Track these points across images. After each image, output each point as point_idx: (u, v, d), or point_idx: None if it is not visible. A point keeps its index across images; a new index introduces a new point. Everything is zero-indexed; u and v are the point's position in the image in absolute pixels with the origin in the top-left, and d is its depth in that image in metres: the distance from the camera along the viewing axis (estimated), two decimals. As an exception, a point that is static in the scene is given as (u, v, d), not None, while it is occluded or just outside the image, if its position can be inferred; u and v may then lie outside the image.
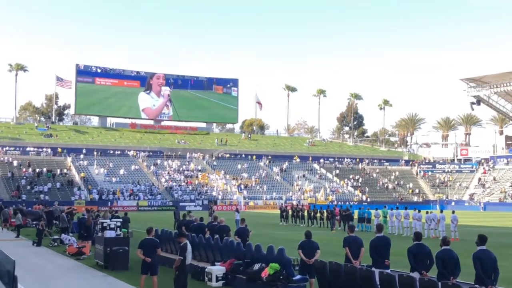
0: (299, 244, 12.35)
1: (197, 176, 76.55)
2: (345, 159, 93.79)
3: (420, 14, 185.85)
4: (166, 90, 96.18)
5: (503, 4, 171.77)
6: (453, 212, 30.03)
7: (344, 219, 34.83)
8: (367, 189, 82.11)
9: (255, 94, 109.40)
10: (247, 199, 72.43)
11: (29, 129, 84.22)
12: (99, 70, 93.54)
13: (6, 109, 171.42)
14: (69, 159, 73.68)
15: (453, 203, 77.21)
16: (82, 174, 69.49)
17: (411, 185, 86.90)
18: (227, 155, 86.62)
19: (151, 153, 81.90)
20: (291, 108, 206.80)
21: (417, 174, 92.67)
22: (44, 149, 75.04)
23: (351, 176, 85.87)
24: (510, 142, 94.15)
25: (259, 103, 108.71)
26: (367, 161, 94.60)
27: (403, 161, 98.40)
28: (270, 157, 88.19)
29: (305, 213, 40.69)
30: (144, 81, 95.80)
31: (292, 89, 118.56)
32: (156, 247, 12.65)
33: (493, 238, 24.11)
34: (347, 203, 67.65)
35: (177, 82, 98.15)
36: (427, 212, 30.43)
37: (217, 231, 16.93)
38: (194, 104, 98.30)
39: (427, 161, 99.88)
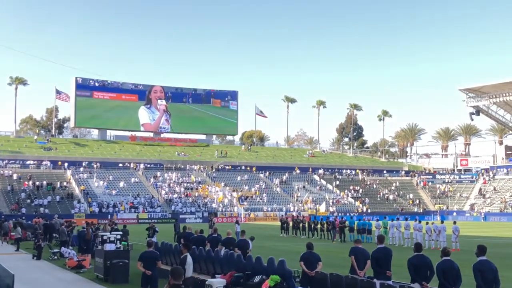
0: (300, 256, 12.32)
1: (197, 188, 76.47)
2: (345, 170, 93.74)
3: (419, 25, 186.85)
4: (162, 103, 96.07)
5: (502, 14, 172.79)
6: (455, 222, 30.01)
7: (341, 230, 35.11)
8: (367, 200, 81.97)
9: (255, 106, 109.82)
10: (248, 211, 72.29)
11: (29, 142, 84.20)
12: (97, 84, 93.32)
13: (6, 122, 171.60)
14: (69, 172, 73.60)
15: (454, 214, 77.05)
16: (82, 187, 69.39)
17: (411, 195, 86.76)
18: (227, 167, 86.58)
19: (151, 166, 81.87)
20: (291, 119, 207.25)
21: (417, 184, 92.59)
22: (44, 162, 74.98)
23: (351, 187, 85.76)
24: (510, 152, 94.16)
25: (259, 114, 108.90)
26: (367, 172, 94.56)
27: (403, 172, 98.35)
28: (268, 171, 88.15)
29: (306, 225, 40.63)
30: (143, 94, 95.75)
31: (292, 100, 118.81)
32: (156, 259, 12.63)
33: (494, 249, 24.07)
34: (347, 214, 67.71)
35: (176, 95, 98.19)
36: (427, 223, 30.39)
37: (224, 243, 16.90)
38: (193, 117, 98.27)
39: (427, 171, 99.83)
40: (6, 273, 10.83)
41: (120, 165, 79.32)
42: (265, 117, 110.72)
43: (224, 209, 71.50)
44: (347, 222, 35.99)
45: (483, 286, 9.22)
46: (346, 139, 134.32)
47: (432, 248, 27.86)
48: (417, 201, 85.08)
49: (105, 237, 18.01)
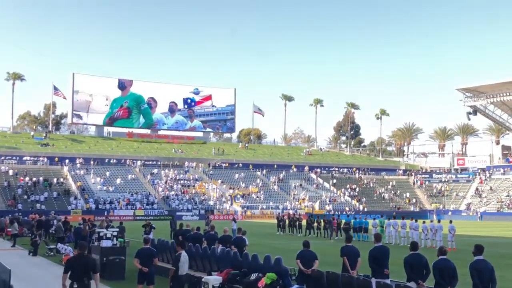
0: (297, 254, 12.32)
1: (194, 186, 76.41)
2: (342, 169, 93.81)
3: (416, 24, 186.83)
4: (161, 100, 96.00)
5: (499, 15, 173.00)
6: (451, 222, 30.07)
7: (344, 230, 34.73)
8: (364, 198, 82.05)
9: (253, 103, 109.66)
10: (244, 208, 72.29)
11: (26, 138, 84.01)
12: (95, 80, 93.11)
13: (3, 118, 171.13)
14: (65, 168, 73.47)
15: (450, 213, 77.19)
16: (78, 183, 69.30)
17: (408, 194, 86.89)
18: (224, 165, 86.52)
19: (148, 162, 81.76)
20: (288, 117, 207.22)
21: (414, 183, 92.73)
22: (41, 158, 74.84)
23: (348, 186, 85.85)
24: (507, 152, 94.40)
25: (258, 112, 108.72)
26: (364, 170, 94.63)
27: (400, 171, 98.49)
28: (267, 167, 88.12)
29: (303, 223, 40.65)
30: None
31: (289, 99, 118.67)
32: (153, 256, 12.62)
33: (490, 248, 24.14)
34: (344, 213, 67.82)
35: (175, 92, 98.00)
36: (423, 222, 30.46)
37: (220, 240, 16.90)
38: (191, 114, 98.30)
39: (424, 170, 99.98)
40: (3, 269, 10.81)
41: (117, 161, 79.21)
42: (262, 114, 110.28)
43: (220, 207, 71.49)
44: (352, 222, 35.28)
45: (479, 285, 9.23)
46: (343, 138, 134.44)
47: (428, 247, 27.92)
48: (414, 200, 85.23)
49: (101, 234, 17.98)
